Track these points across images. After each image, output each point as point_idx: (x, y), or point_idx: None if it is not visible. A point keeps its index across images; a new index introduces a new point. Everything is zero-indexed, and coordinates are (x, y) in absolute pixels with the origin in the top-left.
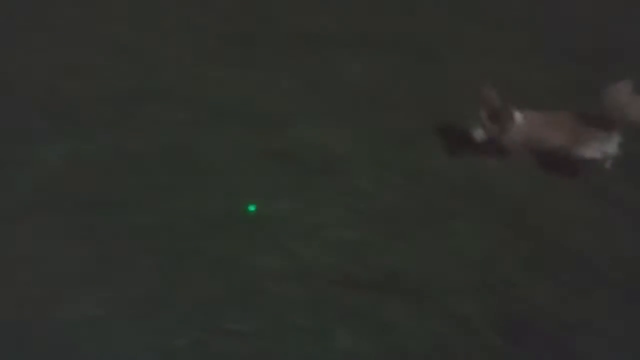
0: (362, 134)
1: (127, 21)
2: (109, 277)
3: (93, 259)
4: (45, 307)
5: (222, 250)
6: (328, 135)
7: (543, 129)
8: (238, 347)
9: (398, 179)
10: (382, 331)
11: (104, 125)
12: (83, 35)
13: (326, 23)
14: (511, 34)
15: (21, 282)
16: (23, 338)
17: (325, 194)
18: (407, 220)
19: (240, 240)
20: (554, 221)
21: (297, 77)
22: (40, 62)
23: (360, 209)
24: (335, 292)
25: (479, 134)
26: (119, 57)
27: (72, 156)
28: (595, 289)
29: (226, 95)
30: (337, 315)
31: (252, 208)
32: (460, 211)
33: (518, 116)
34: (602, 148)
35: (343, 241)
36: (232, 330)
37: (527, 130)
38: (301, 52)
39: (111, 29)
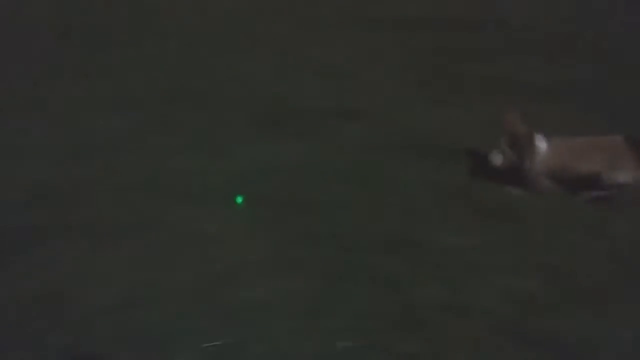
0: None
1: (339, 48)
2: (281, 271)
3: (272, 252)
4: (222, 287)
5: (389, 270)
6: None
7: (568, 157)
8: None
9: (579, 237)
10: None
11: (297, 136)
12: (294, 58)
13: (537, 72)
14: None
15: (208, 260)
16: (203, 312)
17: (501, 239)
18: (581, 280)
19: (408, 264)
20: None
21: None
22: (258, 77)
23: (533, 261)
24: (495, 338)
25: (497, 158)
26: (325, 78)
27: (265, 159)
28: None
29: (422, 127)
30: None
31: (239, 200)
32: None
33: (542, 144)
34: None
35: (510, 289)
36: (389, 349)
37: (551, 159)
38: (508, 99)
39: (322, 53)
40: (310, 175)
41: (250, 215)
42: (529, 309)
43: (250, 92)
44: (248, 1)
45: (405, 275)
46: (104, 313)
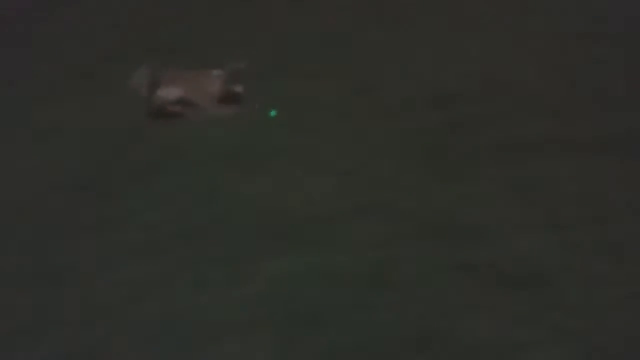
0: (571, 244)
1: (336, 145)
2: None
3: None
4: None
5: None
6: (533, 246)
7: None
8: None
9: (611, 292)
10: None
11: (313, 244)
12: (306, 162)
13: (528, 128)
14: None
15: None
16: None
17: (528, 310)
18: (619, 341)
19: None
20: None
21: (498, 186)
22: (278, 187)
23: (567, 328)
24: None
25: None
26: (332, 177)
27: (282, 274)
28: None
29: (425, 207)
30: None
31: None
32: None
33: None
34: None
35: None
36: None
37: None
38: (502, 161)
39: (327, 154)
40: (328, 284)
41: (270, 340)
42: None
43: (266, 206)
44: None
45: None
46: None
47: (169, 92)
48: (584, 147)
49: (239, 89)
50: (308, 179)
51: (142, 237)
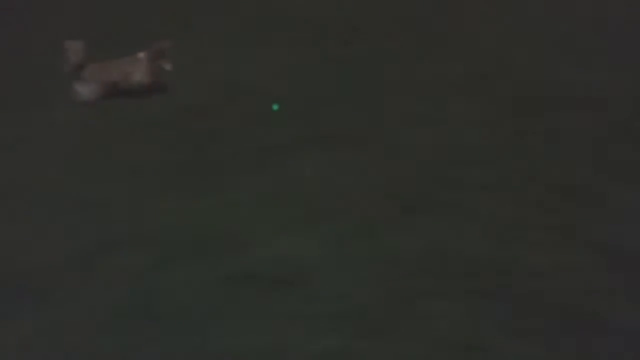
0: (327, 236)
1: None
2: None
3: None
4: None
5: None
6: (290, 246)
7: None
8: None
9: (369, 271)
10: None
11: (73, 287)
12: (53, 194)
13: (282, 130)
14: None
15: None
16: None
17: (294, 307)
18: (385, 314)
19: None
20: (536, 278)
21: (257, 191)
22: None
23: (334, 314)
24: None
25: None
26: (84, 211)
27: (45, 327)
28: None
29: (179, 227)
30: None
31: (275, 107)
32: (436, 289)
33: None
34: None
35: (317, 353)
36: None
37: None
38: (260, 165)
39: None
40: (103, 327)
41: None
42: None
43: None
44: None
45: None
46: None
47: (88, 90)
48: (340, 144)
49: (167, 66)
50: (59, 217)
51: None
